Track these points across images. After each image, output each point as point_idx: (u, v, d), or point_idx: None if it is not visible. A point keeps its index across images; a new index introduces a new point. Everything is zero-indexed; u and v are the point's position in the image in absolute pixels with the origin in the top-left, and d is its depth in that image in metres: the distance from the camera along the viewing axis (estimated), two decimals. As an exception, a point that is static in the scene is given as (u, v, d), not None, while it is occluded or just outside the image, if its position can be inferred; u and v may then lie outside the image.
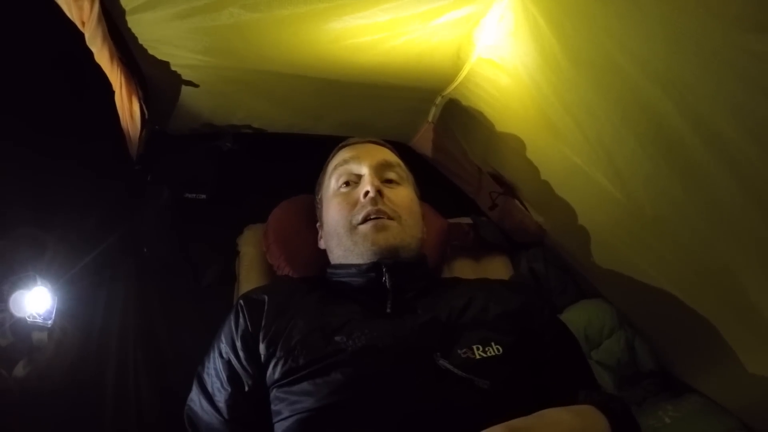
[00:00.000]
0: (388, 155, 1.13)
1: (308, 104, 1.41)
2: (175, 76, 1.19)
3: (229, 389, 0.94)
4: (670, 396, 1.13)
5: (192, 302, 1.25)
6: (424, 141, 1.57)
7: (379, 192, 1.02)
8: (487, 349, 0.89)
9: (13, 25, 0.96)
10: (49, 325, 0.99)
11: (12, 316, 0.95)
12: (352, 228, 1.02)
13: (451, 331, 0.92)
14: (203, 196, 1.36)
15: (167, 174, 1.31)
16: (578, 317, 1.23)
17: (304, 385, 0.86)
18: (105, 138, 1.17)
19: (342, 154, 1.13)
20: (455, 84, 1.31)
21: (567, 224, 1.23)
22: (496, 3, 1.03)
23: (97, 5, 0.90)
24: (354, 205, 1.03)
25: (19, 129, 1.01)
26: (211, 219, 1.37)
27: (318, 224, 1.16)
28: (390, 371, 0.85)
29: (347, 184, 1.08)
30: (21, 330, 0.97)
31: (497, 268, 1.38)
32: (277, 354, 0.91)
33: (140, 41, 1.06)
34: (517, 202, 1.38)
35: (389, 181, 1.09)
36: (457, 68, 1.25)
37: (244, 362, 0.94)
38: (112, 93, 1.07)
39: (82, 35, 0.94)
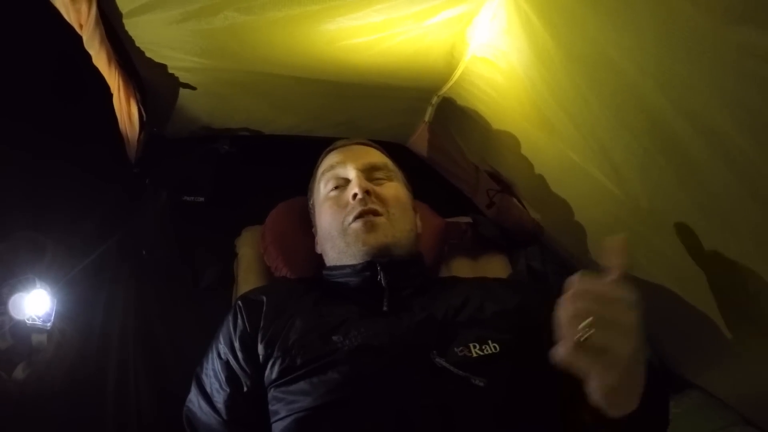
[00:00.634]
0: (374, 156, 1.15)
1: (305, 106, 1.42)
2: (173, 78, 1.20)
3: (228, 390, 0.94)
4: (670, 392, 1.12)
5: (190, 304, 1.26)
6: (420, 141, 1.58)
7: (367, 192, 1.03)
8: (484, 347, 0.89)
9: (12, 27, 0.97)
10: (49, 328, 1.00)
11: (11, 318, 0.96)
12: (344, 229, 1.03)
13: (448, 330, 0.92)
14: (201, 199, 1.37)
15: (165, 177, 1.32)
16: (577, 314, 1.22)
17: (301, 385, 0.87)
18: (103, 141, 1.17)
19: (329, 159, 1.15)
20: (450, 83, 1.31)
21: (564, 221, 1.23)
22: (488, 1, 1.03)
23: (94, 8, 0.91)
24: (344, 208, 1.04)
25: (17, 132, 1.02)
26: (209, 221, 1.38)
27: (313, 229, 1.16)
28: (387, 369, 0.86)
29: (336, 188, 1.09)
30: (20, 332, 0.98)
31: (495, 267, 1.38)
32: (275, 354, 0.92)
33: (137, 44, 1.07)
34: (514, 199, 1.38)
35: (377, 180, 1.10)
36: (451, 67, 1.25)
37: (243, 363, 0.94)
38: (110, 95, 1.08)
39: (80, 38, 0.95)
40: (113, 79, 1.05)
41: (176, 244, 1.30)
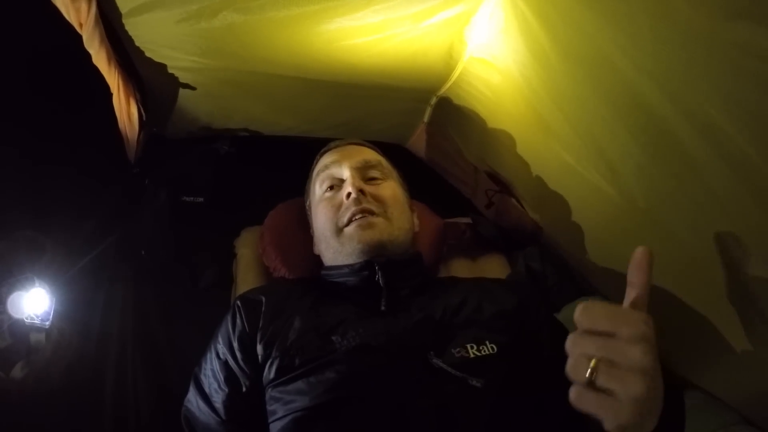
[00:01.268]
0: (368, 155, 1.15)
1: (304, 107, 1.42)
2: (172, 78, 1.20)
3: (226, 390, 0.94)
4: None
5: (189, 304, 1.26)
6: (419, 142, 1.58)
7: (361, 191, 1.03)
8: (481, 347, 0.89)
9: (11, 27, 0.97)
10: (47, 327, 1.00)
11: (10, 317, 0.96)
12: (339, 230, 1.03)
13: (446, 330, 0.93)
14: (200, 199, 1.37)
15: (165, 177, 1.32)
16: (576, 315, 1.22)
17: (299, 384, 0.87)
18: (103, 141, 1.18)
19: (324, 160, 1.15)
20: (449, 84, 1.32)
21: (562, 221, 1.23)
22: (485, 1, 1.04)
23: (94, 7, 0.92)
24: (339, 208, 1.05)
25: (16, 132, 1.02)
26: (208, 222, 1.38)
27: (311, 230, 1.17)
28: (383, 369, 0.86)
29: (331, 188, 1.09)
30: (19, 331, 0.98)
31: (494, 267, 1.38)
32: (273, 354, 0.92)
33: (137, 43, 1.07)
34: (513, 200, 1.39)
35: (372, 179, 1.10)
36: (450, 68, 1.26)
37: (241, 363, 0.94)
38: (110, 95, 1.08)
39: (79, 37, 0.96)
40: (113, 78, 1.06)
41: (175, 244, 1.30)
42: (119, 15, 0.99)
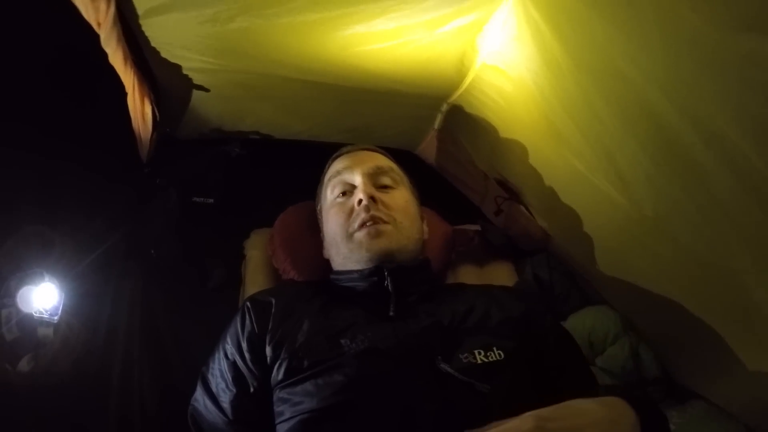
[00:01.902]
0: (380, 161, 1.15)
1: (315, 111, 1.43)
2: (186, 79, 1.22)
3: (234, 390, 0.94)
4: (675, 403, 1.12)
5: (197, 304, 1.26)
6: (429, 148, 1.59)
7: (372, 198, 1.03)
8: (488, 354, 0.89)
9: (26, 25, 0.98)
10: (55, 321, 1.00)
11: (19, 311, 0.97)
12: (349, 236, 1.03)
13: (454, 336, 0.93)
14: (211, 201, 1.38)
15: (176, 177, 1.33)
16: (582, 324, 1.22)
17: (307, 386, 0.87)
18: (116, 139, 1.19)
19: (336, 165, 1.15)
20: (460, 91, 1.33)
21: (571, 230, 1.24)
22: (498, 10, 1.05)
23: (113, 7, 0.93)
24: (350, 214, 1.04)
25: (29, 129, 1.03)
26: (218, 223, 1.39)
27: (321, 234, 1.17)
28: (391, 373, 0.86)
29: (343, 194, 1.09)
30: (27, 325, 0.98)
31: (501, 275, 1.38)
32: (282, 356, 0.92)
33: (153, 44, 1.09)
34: (522, 207, 1.39)
35: (384, 187, 1.10)
36: (461, 75, 1.27)
37: (250, 363, 0.95)
38: (125, 95, 1.10)
39: (97, 36, 0.97)
40: (128, 78, 1.07)
41: (184, 244, 1.31)
42: (136, 15, 1.00)
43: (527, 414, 0.69)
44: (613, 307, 1.26)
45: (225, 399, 0.95)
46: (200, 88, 1.25)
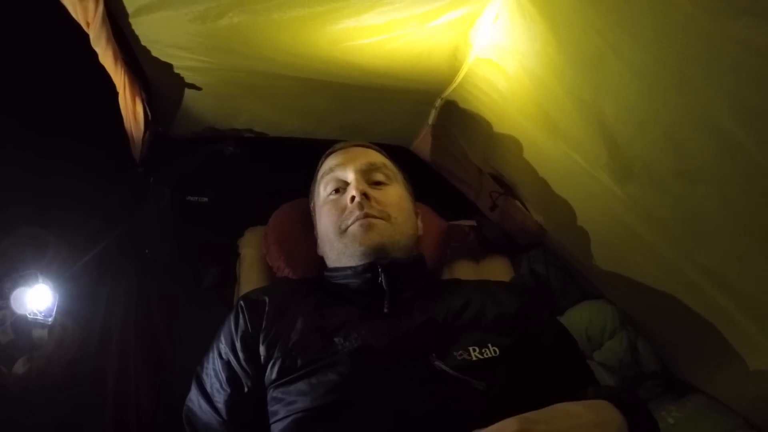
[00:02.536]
0: (373, 157, 1.14)
1: (309, 108, 1.42)
2: (178, 78, 1.21)
3: (228, 390, 0.94)
4: (674, 397, 1.11)
5: (192, 303, 1.26)
6: (424, 144, 1.58)
7: (365, 195, 1.03)
8: (483, 350, 0.89)
9: (17, 25, 0.98)
10: (50, 322, 1.00)
11: (13, 313, 0.97)
12: (342, 232, 1.03)
13: (448, 333, 0.92)
14: (205, 199, 1.37)
15: (170, 177, 1.32)
16: (579, 318, 1.22)
17: (300, 385, 0.87)
18: (108, 139, 1.18)
19: (329, 162, 1.15)
20: (454, 86, 1.32)
21: (566, 223, 1.23)
22: (491, 2, 1.04)
23: (101, 6, 0.92)
24: (343, 211, 1.04)
25: (21, 130, 1.03)
26: (212, 221, 1.38)
27: (315, 231, 1.17)
28: (385, 371, 0.86)
29: (336, 191, 1.09)
30: (22, 327, 0.98)
31: (498, 270, 1.38)
32: (275, 355, 0.92)
33: (143, 42, 1.07)
34: (517, 202, 1.38)
35: (377, 183, 1.10)
36: (454, 70, 1.26)
37: (244, 363, 0.94)
38: (116, 94, 1.09)
39: (86, 36, 0.96)
40: (119, 77, 1.06)
41: (179, 243, 1.31)
42: (126, 14, 0.99)
43: (513, 417, 0.68)
44: (611, 301, 1.25)
45: (219, 399, 0.95)
46: (192, 86, 1.24)
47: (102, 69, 1.04)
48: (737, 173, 0.80)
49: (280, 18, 1.03)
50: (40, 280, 1.00)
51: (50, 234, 1.05)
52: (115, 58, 1.03)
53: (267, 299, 1.01)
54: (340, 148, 1.18)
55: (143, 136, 1.20)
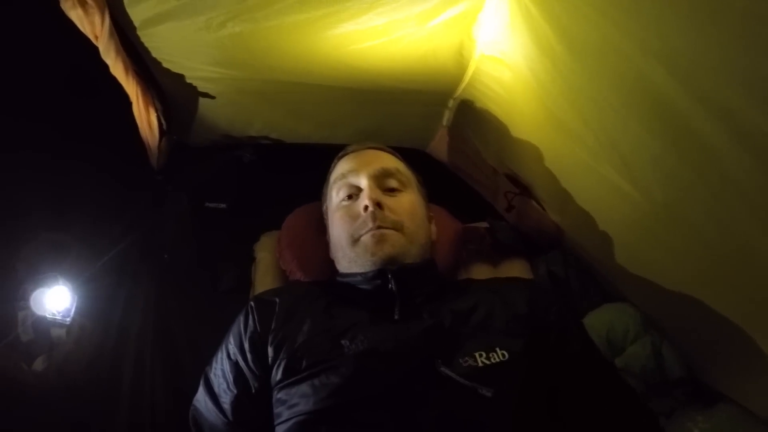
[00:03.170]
0: (386, 162, 1.12)
1: (322, 113, 1.44)
2: (192, 88, 1.25)
3: (235, 391, 0.95)
4: (701, 406, 1.03)
5: (209, 307, 1.28)
6: (440, 146, 1.57)
7: (378, 204, 1.01)
8: (491, 355, 0.86)
9: (38, 37, 1.04)
10: (68, 323, 1.05)
11: (33, 313, 1.02)
12: (354, 241, 1.02)
13: (455, 338, 0.90)
14: (223, 206, 1.41)
15: (189, 184, 1.37)
16: (600, 322, 1.15)
17: (303, 387, 0.86)
18: (127, 147, 1.24)
19: (341, 166, 1.13)
20: (464, 84, 1.30)
21: (583, 224, 1.17)
22: (488, -1, 1.02)
23: (107, 20, 0.97)
24: (356, 218, 1.03)
25: (43, 136, 1.09)
26: (229, 227, 1.41)
27: (327, 235, 1.17)
28: (390, 376, 0.84)
29: (349, 197, 1.08)
30: (41, 327, 1.04)
31: (516, 273, 1.33)
32: (282, 355, 0.92)
33: (153, 54, 1.13)
34: (533, 202, 1.34)
35: (391, 190, 1.08)
36: (462, 68, 1.24)
37: (251, 364, 0.95)
38: (130, 104, 1.14)
39: (96, 48, 1.01)
40: (131, 87, 1.11)
41: (197, 248, 1.34)
42: (133, 27, 1.04)
43: None
44: (634, 303, 1.18)
45: (226, 399, 0.95)
46: (206, 95, 1.28)
47: (115, 80, 1.09)
48: (753, 157, 0.73)
49: (279, 24, 1.05)
50: (60, 282, 1.06)
51: (71, 237, 1.12)
52: (126, 70, 1.07)
53: (278, 300, 1.01)
54: (353, 151, 1.17)
55: (158, 145, 1.25)
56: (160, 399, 1.12)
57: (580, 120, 1.01)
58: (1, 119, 1.03)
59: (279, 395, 0.89)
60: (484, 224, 1.40)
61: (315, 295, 1.04)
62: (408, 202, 1.07)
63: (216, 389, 0.98)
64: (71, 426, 1.02)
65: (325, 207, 1.18)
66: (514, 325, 0.92)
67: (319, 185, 1.24)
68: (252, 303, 1.02)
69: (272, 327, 0.96)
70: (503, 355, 0.86)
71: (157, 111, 1.19)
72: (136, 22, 1.03)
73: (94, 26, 0.97)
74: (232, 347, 0.99)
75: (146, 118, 1.19)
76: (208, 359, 1.06)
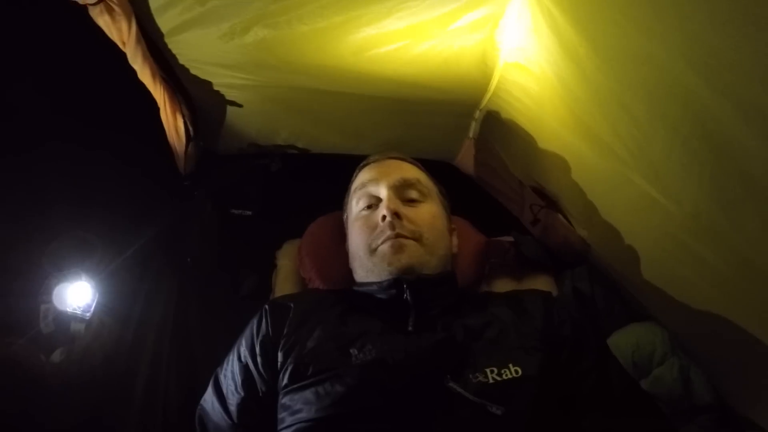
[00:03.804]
0: (407, 172, 1.11)
1: (348, 123, 1.45)
2: (219, 95, 1.28)
3: (242, 393, 0.94)
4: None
5: (228, 310, 1.29)
6: (467, 158, 1.54)
7: (396, 214, 1.00)
8: (503, 371, 0.83)
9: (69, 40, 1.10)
10: (88, 318, 1.08)
11: (56, 308, 1.06)
12: (372, 251, 1.01)
13: (467, 353, 0.87)
14: (249, 213, 1.43)
15: (215, 190, 1.39)
16: (625, 342, 1.09)
17: (307, 394, 0.85)
18: (156, 150, 1.28)
19: (362, 176, 1.13)
20: (489, 94, 1.28)
21: (610, 237, 1.12)
22: (511, 2, 1.00)
23: (134, 26, 1.01)
24: (374, 228, 1.02)
25: (73, 132, 1.14)
26: (253, 233, 1.43)
27: (346, 245, 1.16)
28: (395, 389, 0.82)
29: (369, 207, 1.07)
30: (62, 321, 1.07)
31: (540, 288, 1.27)
32: (289, 360, 0.91)
33: (181, 61, 1.16)
34: (560, 216, 1.29)
35: (411, 201, 1.06)
36: (486, 76, 1.22)
37: (261, 367, 0.94)
38: (157, 109, 1.18)
39: (124, 54, 1.05)
40: (158, 93, 1.15)
41: (220, 253, 1.36)
42: (161, 34, 1.08)
43: None
44: (661, 323, 1.11)
45: (233, 401, 0.95)
46: (233, 103, 1.31)
47: (142, 85, 1.12)
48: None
49: (302, 30, 1.07)
50: (83, 278, 1.09)
51: (96, 238, 1.15)
52: (153, 76, 1.11)
53: (292, 305, 1.00)
54: (375, 161, 1.17)
55: (185, 150, 1.28)
56: (172, 396, 1.13)
57: (609, 127, 0.97)
58: (30, 114, 1.08)
59: (284, 400, 0.88)
60: (509, 238, 1.36)
61: (330, 302, 1.03)
62: (428, 213, 1.05)
63: (224, 390, 0.97)
64: (84, 416, 1.04)
65: (345, 216, 1.17)
66: (528, 340, 0.89)
67: (343, 195, 1.24)
68: (266, 306, 1.02)
69: (285, 332, 0.96)
70: (516, 371, 0.82)
71: (184, 117, 1.22)
72: (164, 30, 1.07)
73: (121, 33, 1.01)
74: (244, 350, 0.98)
75: (173, 124, 1.22)
76: (222, 361, 1.07)
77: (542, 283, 1.30)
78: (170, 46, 1.12)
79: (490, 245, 1.29)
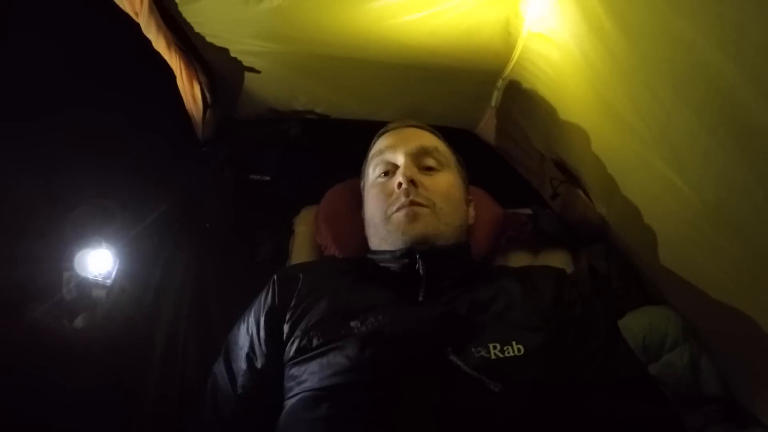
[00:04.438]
0: (425, 140, 1.10)
1: (367, 89, 1.42)
2: (236, 62, 1.26)
3: (245, 362, 0.96)
4: (734, 427, 0.94)
5: (245, 275, 1.31)
6: (488, 128, 1.50)
7: (412, 181, 0.99)
8: (506, 348, 0.82)
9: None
10: (109, 284, 1.12)
11: (78, 274, 1.10)
12: (387, 218, 1.01)
13: (471, 326, 0.86)
14: (267, 178, 1.43)
15: (233, 156, 1.39)
16: (638, 324, 1.08)
17: (312, 365, 0.87)
18: (175, 117, 1.28)
19: (380, 143, 1.12)
20: (512, 63, 1.22)
21: (629, 217, 1.09)
22: (535, -29, 0.95)
23: (146, -3, 0.99)
24: (389, 195, 1.02)
25: (95, 98, 1.14)
26: (272, 199, 1.43)
27: (362, 212, 1.16)
28: (394, 359, 0.83)
29: (385, 173, 1.07)
30: (84, 287, 1.11)
31: (555, 263, 1.24)
32: (296, 333, 0.92)
33: (197, 30, 1.14)
34: (580, 191, 1.25)
35: (428, 169, 1.05)
36: (510, 46, 1.17)
37: (263, 340, 0.96)
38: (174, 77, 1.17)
39: (137, 24, 1.04)
40: (174, 62, 1.14)
41: (238, 218, 1.37)
42: (175, 3, 1.05)
43: None
44: (676, 308, 1.09)
45: (237, 369, 0.97)
46: (251, 70, 1.29)
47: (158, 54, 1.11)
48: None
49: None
50: (104, 245, 1.13)
51: (117, 205, 1.17)
52: (168, 45, 1.10)
53: (301, 276, 1.01)
54: (393, 128, 1.16)
55: (203, 117, 1.28)
56: (190, 360, 1.15)
57: (631, 105, 0.93)
58: (48, 80, 1.09)
59: (291, 371, 0.90)
60: (527, 211, 1.33)
61: (341, 271, 1.03)
62: (444, 182, 1.04)
63: (232, 357, 1.00)
64: (106, 380, 1.09)
65: (362, 183, 1.17)
66: (535, 318, 0.88)
67: (362, 162, 1.22)
68: (275, 277, 1.03)
69: (292, 303, 0.97)
70: (518, 349, 0.82)
71: (201, 84, 1.22)
72: (177, -1, 1.05)
73: (133, 3, 0.99)
74: (251, 320, 1.00)
75: (190, 91, 1.22)
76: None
77: (559, 259, 1.28)
78: (185, 15, 1.10)
79: (507, 217, 1.28)
